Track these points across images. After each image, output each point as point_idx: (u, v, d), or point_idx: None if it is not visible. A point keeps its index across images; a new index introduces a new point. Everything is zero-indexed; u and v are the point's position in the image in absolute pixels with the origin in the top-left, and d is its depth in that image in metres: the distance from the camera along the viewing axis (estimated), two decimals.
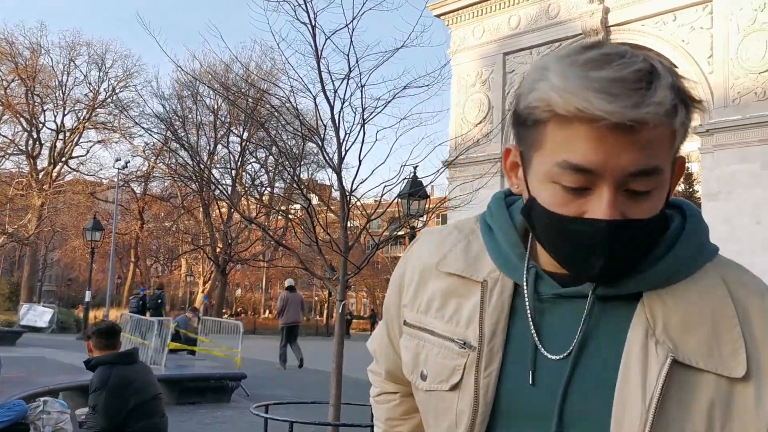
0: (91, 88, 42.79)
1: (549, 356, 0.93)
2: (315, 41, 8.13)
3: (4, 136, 43.63)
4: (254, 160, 37.62)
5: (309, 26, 8.09)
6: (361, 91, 8.28)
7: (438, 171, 9.31)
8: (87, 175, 44.63)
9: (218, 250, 34.95)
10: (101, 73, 42.78)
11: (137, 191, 44.87)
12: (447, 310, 1.01)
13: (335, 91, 8.17)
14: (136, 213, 44.71)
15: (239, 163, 37.66)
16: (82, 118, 43.15)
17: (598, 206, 0.86)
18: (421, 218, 12.83)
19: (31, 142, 42.67)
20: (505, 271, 0.99)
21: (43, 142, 43.12)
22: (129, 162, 39.30)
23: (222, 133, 37.88)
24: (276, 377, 14.49)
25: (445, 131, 27.90)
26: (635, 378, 0.87)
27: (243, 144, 36.47)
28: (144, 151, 38.72)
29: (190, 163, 35.26)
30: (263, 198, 37.53)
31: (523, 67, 31.54)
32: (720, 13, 24.88)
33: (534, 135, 0.90)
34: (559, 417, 0.90)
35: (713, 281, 0.92)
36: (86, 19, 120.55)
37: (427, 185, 11.71)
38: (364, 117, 8.32)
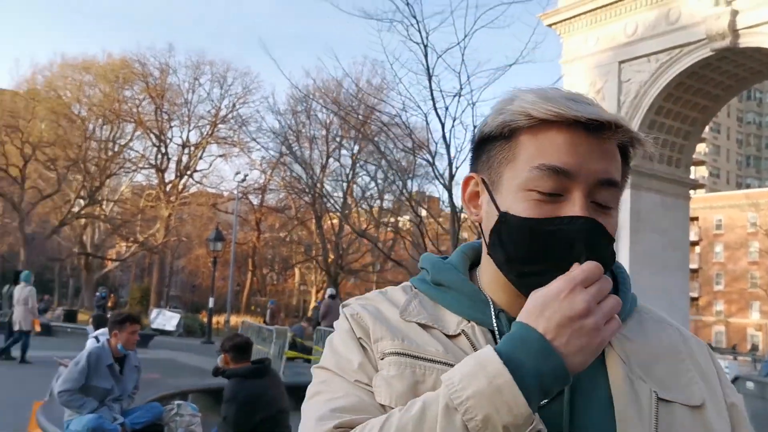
0: (214, 105, 45.32)
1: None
2: (427, 60, 8.31)
3: (136, 151, 47.03)
4: (365, 172, 38.44)
5: (421, 45, 8.27)
6: (472, 109, 8.40)
7: None
8: (209, 187, 47.23)
9: (330, 260, 35.88)
10: (222, 91, 45.23)
11: (254, 203, 46.90)
12: (432, 346, 0.95)
13: (446, 109, 8.32)
14: (253, 224, 46.72)
15: (350, 176, 38.54)
16: (205, 133, 45.74)
17: (571, 209, 0.90)
18: None
19: (159, 156, 45.65)
20: (476, 320, 0.97)
21: (170, 156, 46.03)
22: (247, 175, 41.22)
23: (334, 146, 38.97)
24: None
25: None
26: (633, 417, 0.90)
27: (353, 157, 37.34)
28: (261, 164, 40.48)
29: (304, 176, 36.49)
30: (372, 210, 38.19)
31: (640, 75, 30.34)
32: None
33: (505, 151, 0.95)
34: None
35: (656, 321, 1.02)
36: (209, 36, 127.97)
37: None
38: None
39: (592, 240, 0.90)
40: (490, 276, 1.02)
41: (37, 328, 13.99)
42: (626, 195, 27.10)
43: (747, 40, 27.07)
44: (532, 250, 0.91)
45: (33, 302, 13.26)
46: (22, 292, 13.17)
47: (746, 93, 74.17)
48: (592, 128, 0.91)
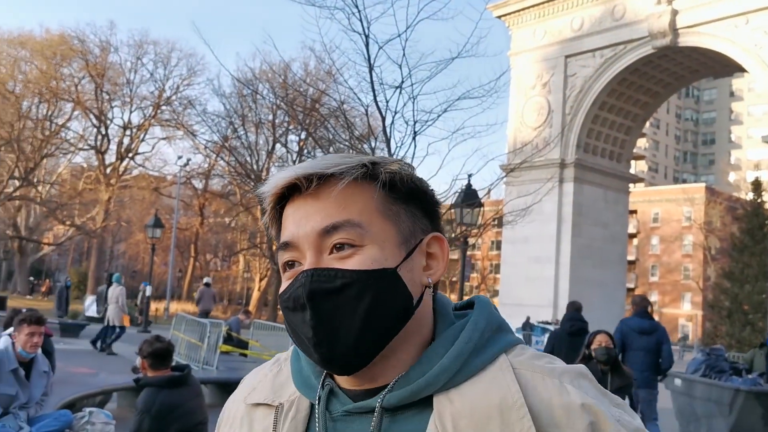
0: (157, 86, 44.09)
1: None
2: (368, 51, 8.09)
3: (74, 132, 45.42)
4: (312, 158, 37.96)
5: (362, 35, 8.05)
6: (413, 104, 8.23)
7: (494, 181, 9.08)
8: (151, 170, 46.05)
9: (274, 247, 35.41)
10: (166, 72, 44.05)
11: (198, 188, 45.93)
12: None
13: (386, 102, 8.12)
14: (196, 209, 45.79)
15: (297, 163, 38.04)
16: (148, 115, 44.48)
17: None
18: (474, 228, 12.64)
19: (99, 137, 44.23)
20: (302, 392, 0.93)
21: (110, 138, 44.65)
22: (191, 159, 40.26)
23: (281, 132, 38.37)
24: None
25: (499, 143, 27.55)
26: None
27: (301, 143, 36.85)
28: (205, 148, 39.62)
29: (248, 160, 35.80)
30: None
31: (585, 70, 30.75)
32: None
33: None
34: None
35: (501, 371, 0.84)
36: (154, 17, 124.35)
37: (483, 197, 11.51)
38: (416, 129, 8.26)
39: (314, 288, 0.83)
40: None
41: (127, 324, 15.59)
42: (569, 188, 27.15)
43: (686, 39, 27.73)
44: (290, 327, 0.88)
45: (123, 300, 14.84)
46: (113, 291, 14.81)
47: (685, 90, 76.46)
48: (302, 190, 0.87)
